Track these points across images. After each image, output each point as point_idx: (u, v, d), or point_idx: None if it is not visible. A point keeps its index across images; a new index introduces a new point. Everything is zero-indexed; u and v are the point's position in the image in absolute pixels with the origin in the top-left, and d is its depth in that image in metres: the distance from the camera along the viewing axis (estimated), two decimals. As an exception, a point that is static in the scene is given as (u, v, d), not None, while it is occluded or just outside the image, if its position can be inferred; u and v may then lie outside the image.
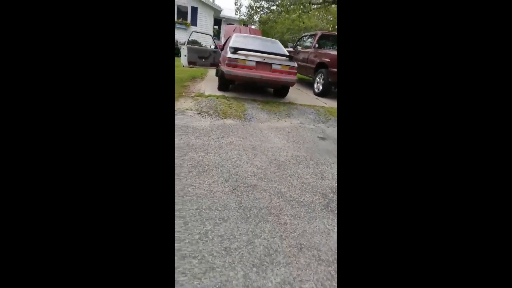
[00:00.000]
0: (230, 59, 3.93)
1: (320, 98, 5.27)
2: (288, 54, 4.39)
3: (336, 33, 8.84)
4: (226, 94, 4.35)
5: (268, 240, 1.27)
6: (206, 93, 4.22)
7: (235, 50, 3.99)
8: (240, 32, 6.57)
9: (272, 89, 5.08)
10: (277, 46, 4.84)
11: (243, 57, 3.96)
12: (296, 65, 4.30)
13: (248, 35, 5.39)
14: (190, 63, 5.33)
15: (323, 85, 5.30)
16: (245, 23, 14.72)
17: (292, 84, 4.32)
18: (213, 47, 5.80)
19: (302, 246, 1.28)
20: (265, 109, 3.88)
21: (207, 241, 1.22)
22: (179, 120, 2.92)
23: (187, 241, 1.20)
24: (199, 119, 3.09)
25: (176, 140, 2.35)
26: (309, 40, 6.56)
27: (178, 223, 1.30)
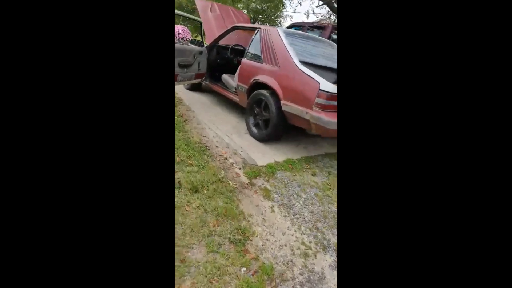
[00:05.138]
0: (329, 96, 1.85)
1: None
2: None
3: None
4: (284, 152, 2.30)
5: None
6: (259, 162, 2.05)
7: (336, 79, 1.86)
8: (219, 12, 4.13)
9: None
10: None
11: None
12: None
13: (302, 32, 3.18)
14: None
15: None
16: None
17: None
18: (188, 43, 3.18)
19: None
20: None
21: None
22: None
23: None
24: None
25: None
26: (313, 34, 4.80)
27: None
